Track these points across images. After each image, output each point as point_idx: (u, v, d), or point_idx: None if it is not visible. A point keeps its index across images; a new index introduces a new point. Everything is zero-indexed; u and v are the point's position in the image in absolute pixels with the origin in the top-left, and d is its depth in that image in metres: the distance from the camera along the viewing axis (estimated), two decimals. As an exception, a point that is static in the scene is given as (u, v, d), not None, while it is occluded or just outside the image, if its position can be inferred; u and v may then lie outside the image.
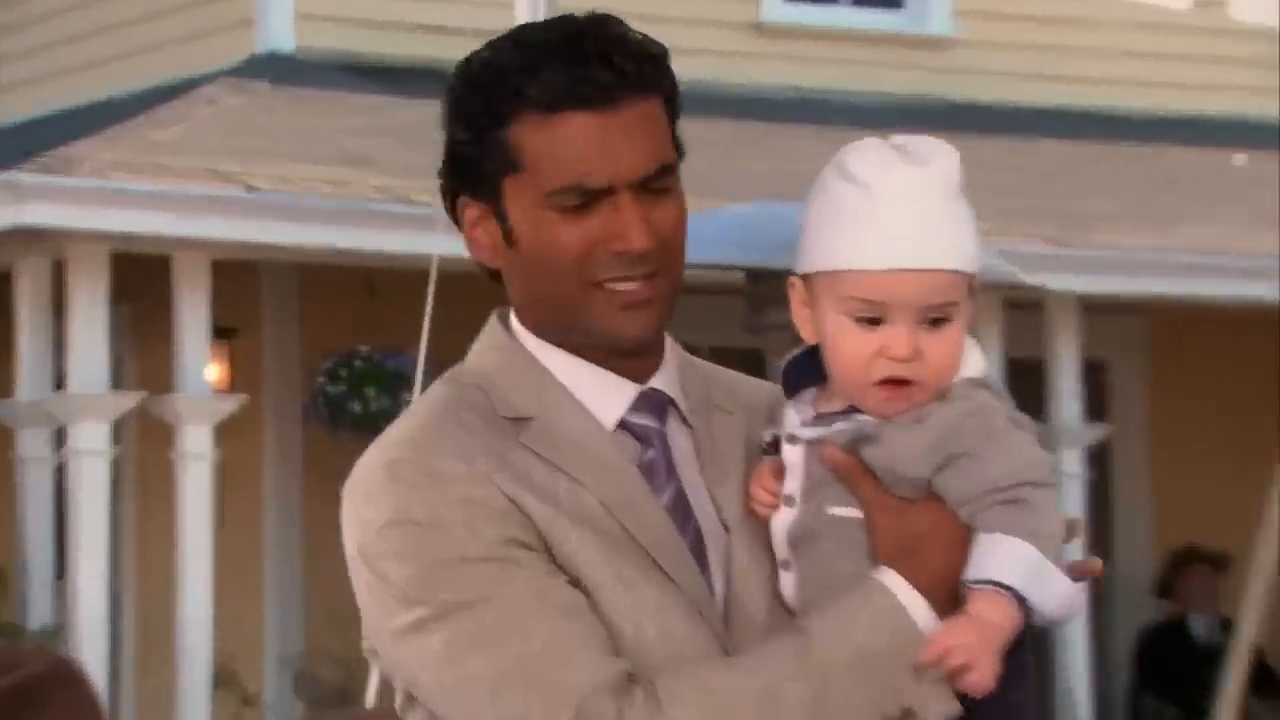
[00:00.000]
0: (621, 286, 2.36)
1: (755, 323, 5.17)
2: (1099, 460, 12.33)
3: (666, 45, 2.52)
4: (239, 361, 11.03)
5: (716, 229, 5.65)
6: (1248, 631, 7.46)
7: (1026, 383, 11.38)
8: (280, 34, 12.05)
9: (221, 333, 10.51)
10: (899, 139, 2.31)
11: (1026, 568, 2.15)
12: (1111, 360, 12.82)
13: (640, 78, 2.37)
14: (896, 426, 2.19)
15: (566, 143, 2.35)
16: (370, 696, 6.41)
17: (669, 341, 2.44)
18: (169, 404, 10.09)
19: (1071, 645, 11.02)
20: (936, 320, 2.24)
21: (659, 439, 2.43)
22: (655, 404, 2.44)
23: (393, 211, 10.12)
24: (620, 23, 2.38)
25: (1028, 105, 13.20)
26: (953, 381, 2.22)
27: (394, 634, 2.35)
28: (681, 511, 2.43)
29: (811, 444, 2.25)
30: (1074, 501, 11.35)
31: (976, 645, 2.13)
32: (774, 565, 2.38)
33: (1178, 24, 13.35)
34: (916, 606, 2.20)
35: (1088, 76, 13.37)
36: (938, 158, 2.28)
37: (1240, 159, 12.83)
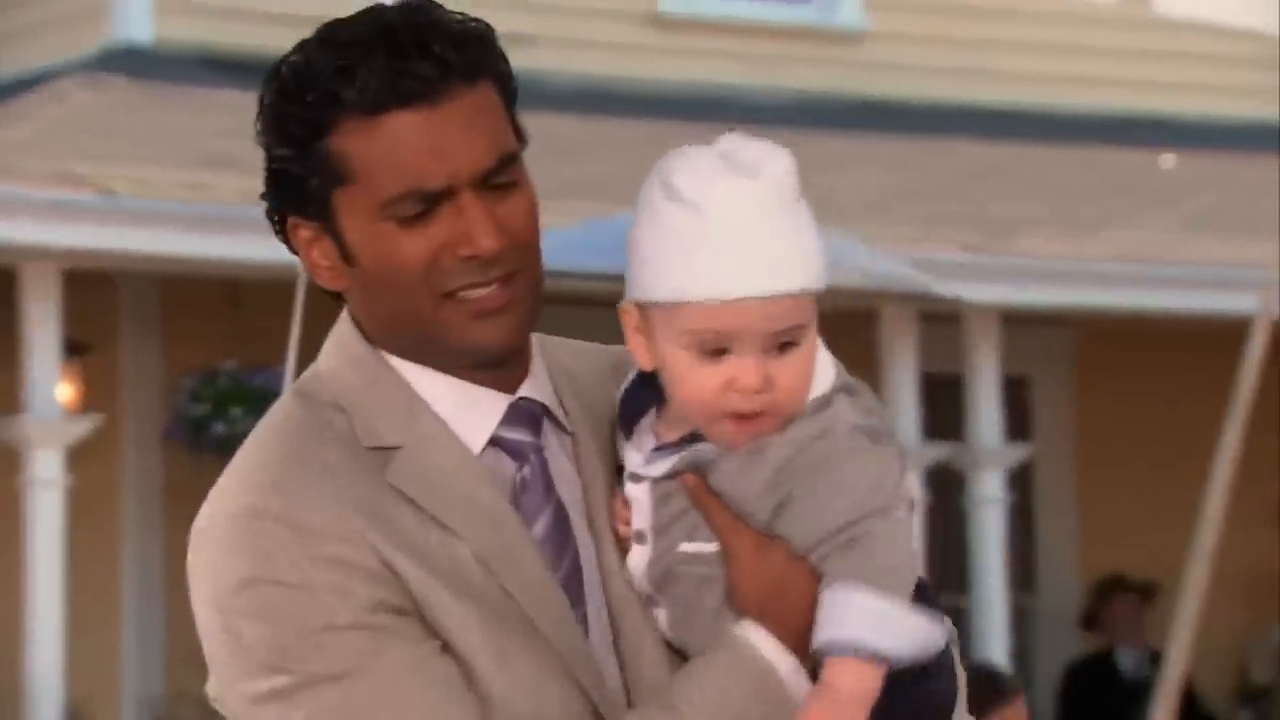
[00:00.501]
0: (475, 294, 2.28)
1: None
2: (1021, 482, 12.38)
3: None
4: (93, 380, 10.82)
5: (612, 237, 5.38)
6: (1177, 664, 7.69)
7: (944, 400, 11.58)
8: (137, 24, 11.93)
9: (74, 349, 10.31)
10: (725, 144, 2.21)
11: (873, 620, 2.10)
12: (1034, 375, 12.85)
13: (466, 65, 2.28)
14: (735, 458, 2.15)
15: (395, 146, 2.27)
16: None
17: (536, 343, 2.38)
18: (17, 426, 9.91)
19: (993, 682, 11.02)
20: (785, 345, 2.20)
21: (534, 453, 2.36)
22: (528, 415, 2.37)
23: (258, 217, 9.73)
24: (437, 6, 2.32)
25: (945, 102, 13.13)
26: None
27: (250, 699, 2.30)
28: (559, 537, 2.37)
29: (656, 481, 2.23)
30: (994, 527, 11.34)
31: None
32: None
33: (1102, 17, 13.37)
34: (785, 667, 2.16)
35: (1009, 72, 13.39)
36: (769, 165, 2.18)
37: (1169, 160, 12.86)
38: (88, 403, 10.57)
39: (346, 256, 2.30)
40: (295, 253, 2.36)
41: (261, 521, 2.27)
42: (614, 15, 13.12)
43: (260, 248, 9.46)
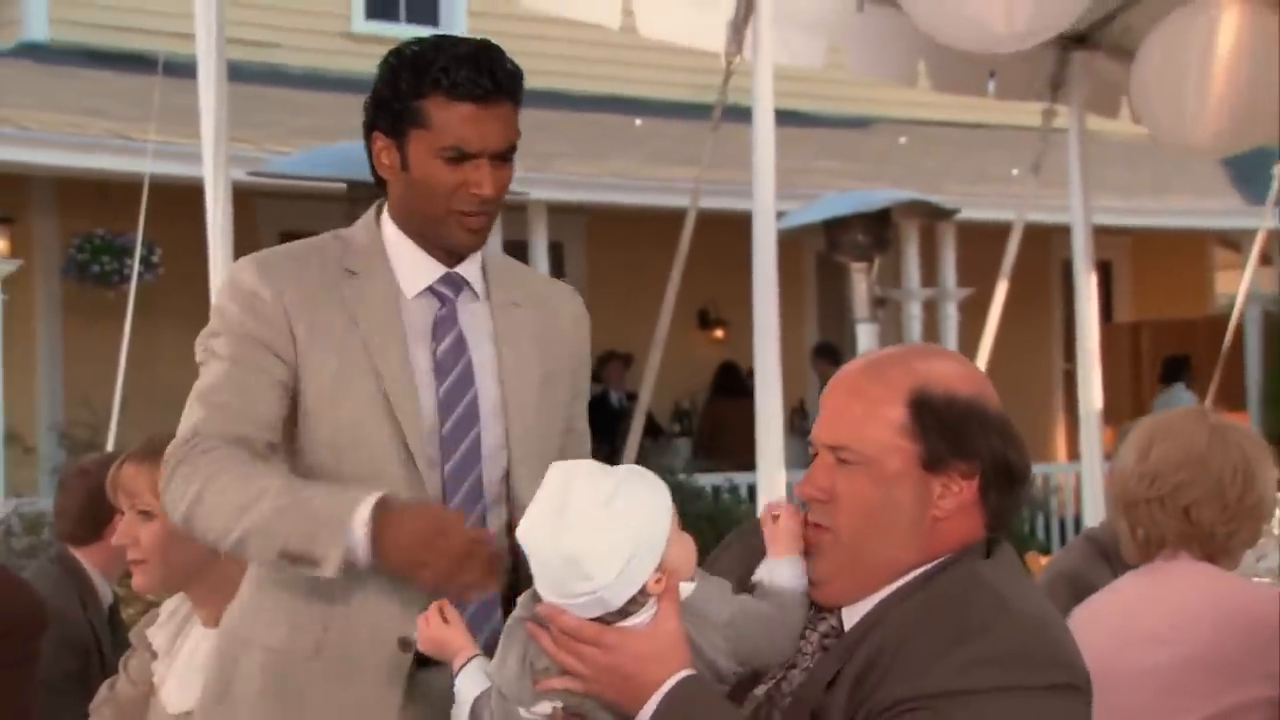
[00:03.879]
0: (469, 217, 2.51)
1: (352, 214, 4.32)
2: None
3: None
4: (17, 238, 11.15)
5: (331, 154, 6.07)
6: (644, 401, 6.21)
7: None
8: (38, 28, 12.25)
9: (5, 220, 10.93)
10: None
11: None
12: (565, 242, 13.10)
13: (507, 88, 2.49)
14: None
15: (458, 120, 2.46)
16: (110, 445, 6.33)
17: (494, 250, 2.61)
18: None
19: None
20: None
21: (450, 303, 2.54)
22: (454, 280, 2.56)
23: (120, 144, 10.18)
24: (500, 49, 2.49)
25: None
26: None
27: (200, 352, 2.53)
28: (458, 347, 2.52)
29: None
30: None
31: None
32: (543, 403, 2.54)
33: (608, 37, 12.29)
34: None
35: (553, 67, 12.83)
36: None
37: (637, 122, 13.14)
38: (14, 251, 10.97)
39: (404, 165, 2.50)
40: (370, 151, 2.54)
41: (237, 271, 2.51)
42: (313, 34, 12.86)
43: (116, 161, 9.84)
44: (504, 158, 2.47)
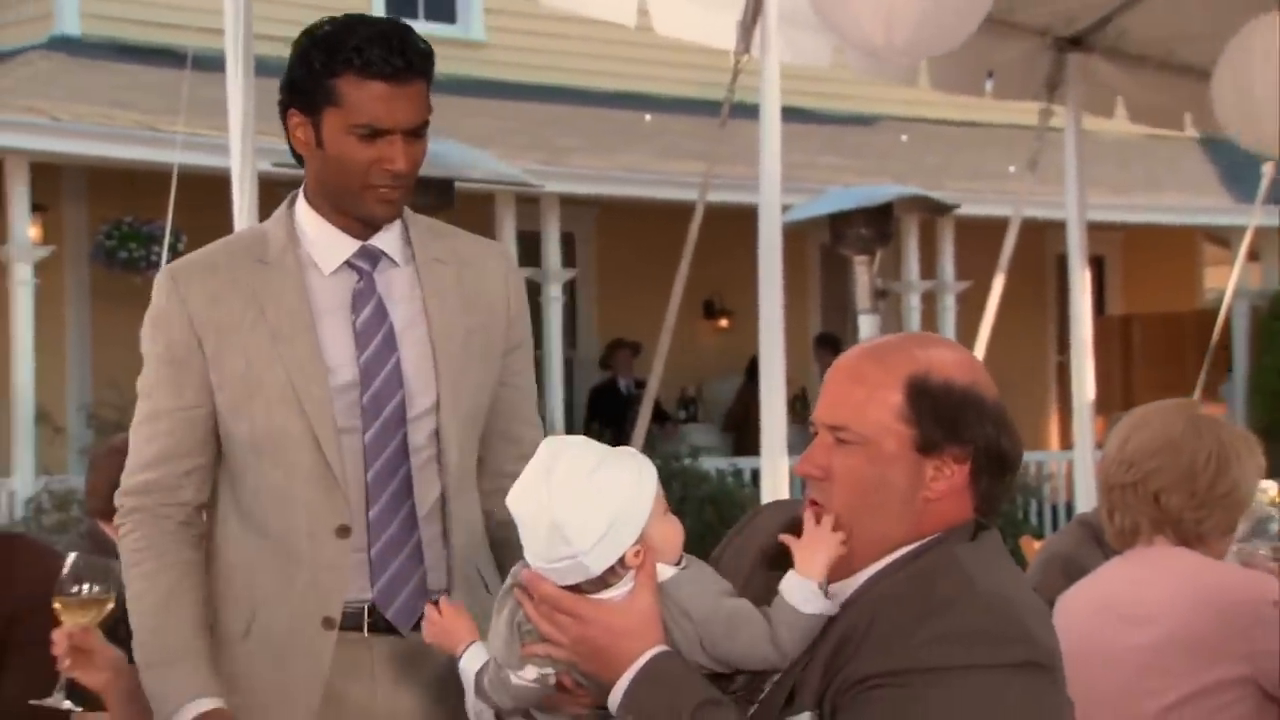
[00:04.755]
0: (384, 190, 2.49)
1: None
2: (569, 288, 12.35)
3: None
4: (49, 225, 11.30)
5: None
6: (653, 388, 6.03)
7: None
8: (70, 22, 12.31)
9: (37, 208, 10.91)
10: None
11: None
12: (576, 232, 13.20)
13: (419, 67, 2.46)
14: None
15: (371, 98, 2.44)
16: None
17: (412, 218, 2.58)
18: (5, 252, 10.58)
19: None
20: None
21: (368, 275, 2.53)
22: (371, 254, 2.55)
23: (151, 136, 10.36)
24: (410, 29, 2.47)
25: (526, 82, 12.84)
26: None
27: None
28: (376, 317, 2.50)
29: None
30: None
31: None
32: (470, 358, 2.51)
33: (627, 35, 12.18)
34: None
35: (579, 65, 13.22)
36: None
37: (647, 119, 13.18)
38: (46, 238, 11.12)
39: (318, 142, 2.48)
40: (286, 128, 2.51)
41: (155, 286, 2.53)
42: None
43: (145, 152, 10.07)
44: (417, 133, 2.46)
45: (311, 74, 2.44)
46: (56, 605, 2.53)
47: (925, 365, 2.12)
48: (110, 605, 2.56)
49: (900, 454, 2.10)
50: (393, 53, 2.42)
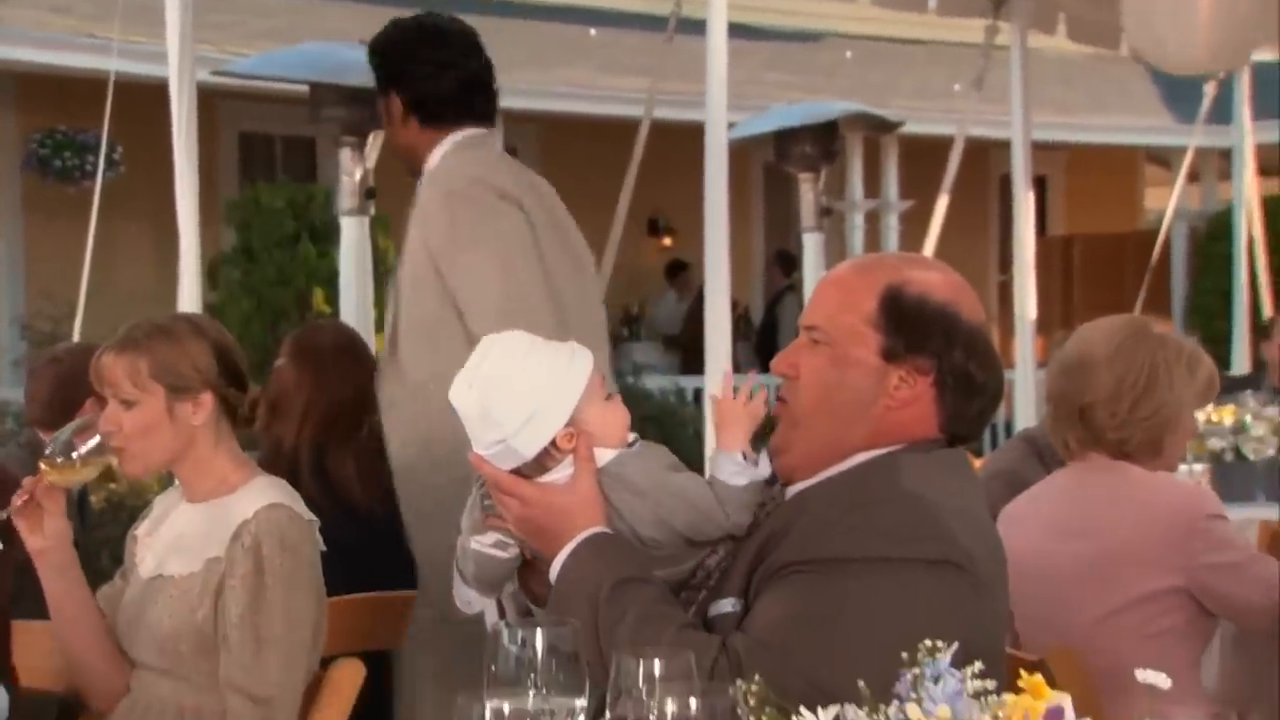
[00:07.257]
0: None
1: (315, 115, 5.22)
2: None
3: None
4: None
5: (294, 56, 5.86)
6: None
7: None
8: None
9: None
10: None
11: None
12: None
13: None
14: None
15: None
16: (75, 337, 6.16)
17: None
18: None
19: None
20: None
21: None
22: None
23: (84, 42, 10.10)
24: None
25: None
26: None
27: None
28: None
29: None
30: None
31: None
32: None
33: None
34: None
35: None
36: None
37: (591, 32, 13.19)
38: None
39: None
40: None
41: None
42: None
43: (80, 59, 9.76)
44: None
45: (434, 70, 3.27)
46: (43, 465, 2.68)
47: (905, 278, 2.19)
48: (81, 477, 2.73)
49: (865, 359, 2.16)
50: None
